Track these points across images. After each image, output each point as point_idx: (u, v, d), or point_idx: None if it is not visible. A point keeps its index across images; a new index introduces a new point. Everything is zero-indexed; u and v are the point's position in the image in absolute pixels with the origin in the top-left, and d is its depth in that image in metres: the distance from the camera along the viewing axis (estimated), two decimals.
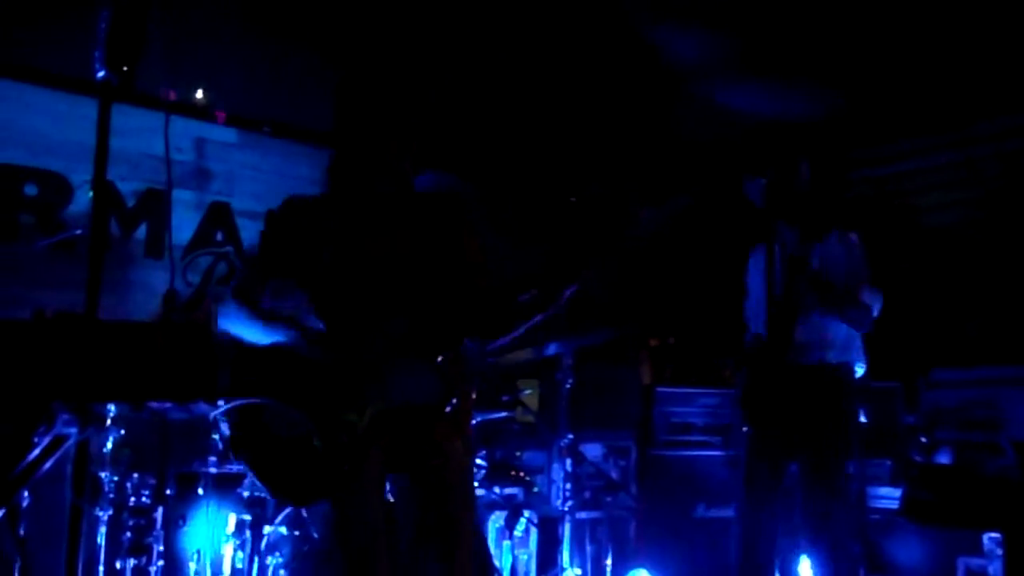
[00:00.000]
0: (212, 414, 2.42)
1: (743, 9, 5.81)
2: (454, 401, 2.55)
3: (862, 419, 4.92)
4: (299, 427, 2.40)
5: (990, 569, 4.72)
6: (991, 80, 6.26)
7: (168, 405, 3.55)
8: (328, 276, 2.66)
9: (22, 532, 3.44)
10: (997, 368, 5.30)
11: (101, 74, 2.10)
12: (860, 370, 4.12)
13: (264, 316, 2.62)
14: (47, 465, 1.47)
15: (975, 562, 4.81)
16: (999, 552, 4.64)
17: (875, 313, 4.08)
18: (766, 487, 3.94)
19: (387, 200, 2.76)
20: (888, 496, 5.44)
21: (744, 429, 3.99)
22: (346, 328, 2.57)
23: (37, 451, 1.43)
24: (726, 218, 4.09)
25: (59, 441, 1.47)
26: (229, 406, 2.41)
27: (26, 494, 3.50)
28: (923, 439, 5.00)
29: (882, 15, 5.74)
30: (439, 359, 2.54)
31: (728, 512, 5.01)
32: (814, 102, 6.86)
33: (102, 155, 2.26)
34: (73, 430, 1.48)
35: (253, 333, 2.60)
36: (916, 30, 5.86)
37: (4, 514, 1.42)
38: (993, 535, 4.73)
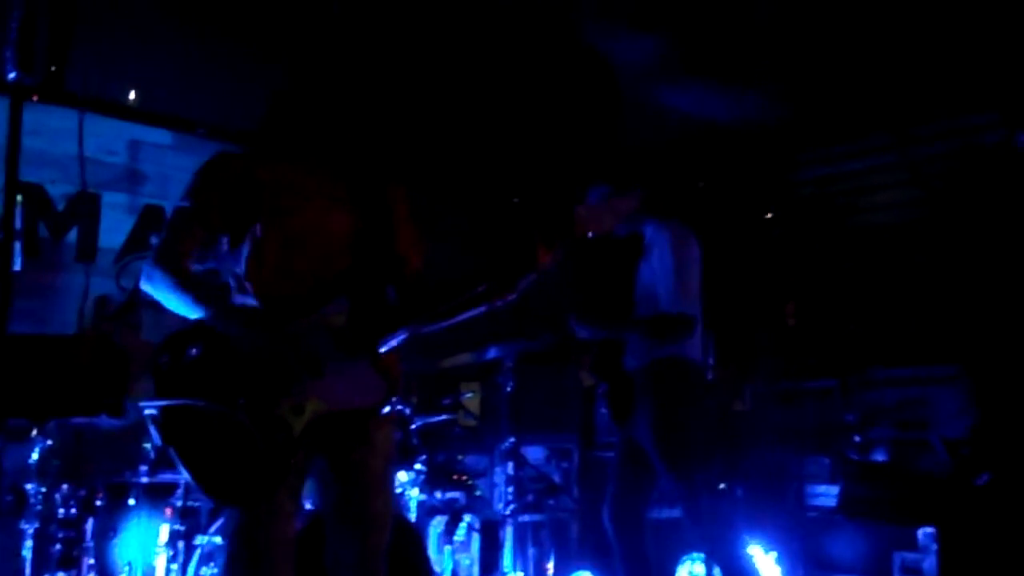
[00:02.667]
0: (144, 409, 2.33)
1: (686, 12, 5.85)
2: (393, 401, 2.51)
3: None
4: (235, 421, 2.33)
5: (925, 564, 4.81)
6: (931, 82, 6.37)
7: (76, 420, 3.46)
8: (262, 245, 2.52)
9: None
10: (930, 367, 5.40)
11: (12, 75, 2.04)
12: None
13: (192, 288, 2.45)
14: None
15: (910, 556, 4.90)
16: (934, 547, 4.73)
17: None
18: None
19: (329, 165, 2.65)
20: (826, 493, 5.52)
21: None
22: (281, 307, 2.44)
23: None
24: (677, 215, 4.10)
25: None
26: (158, 404, 2.32)
27: None
28: (857, 438, 5.07)
29: (824, 18, 5.81)
30: (379, 351, 2.47)
31: (673, 512, 5.04)
32: (758, 105, 6.94)
33: (14, 156, 2.20)
34: None
35: (179, 304, 2.46)
36: (858, 33, 5.94)
37: None
38: (927, 530, 4.82)
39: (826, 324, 6.73)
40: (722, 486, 5.29)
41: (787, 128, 7.32)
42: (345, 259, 2.57)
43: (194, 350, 2.39)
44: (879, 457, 5.25)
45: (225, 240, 2.57)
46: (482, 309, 2.60)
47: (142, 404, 2.40)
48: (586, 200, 3.94)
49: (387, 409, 2.57)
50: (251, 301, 2.51)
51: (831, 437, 5.67)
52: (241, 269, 2.55)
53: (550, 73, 6.32)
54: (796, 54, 6.23)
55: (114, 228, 5.08)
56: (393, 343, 2.56)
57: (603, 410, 5.53)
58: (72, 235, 4.97)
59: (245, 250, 2.54)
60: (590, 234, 3.45)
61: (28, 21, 2.07)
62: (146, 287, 2.52)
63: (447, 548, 4.69)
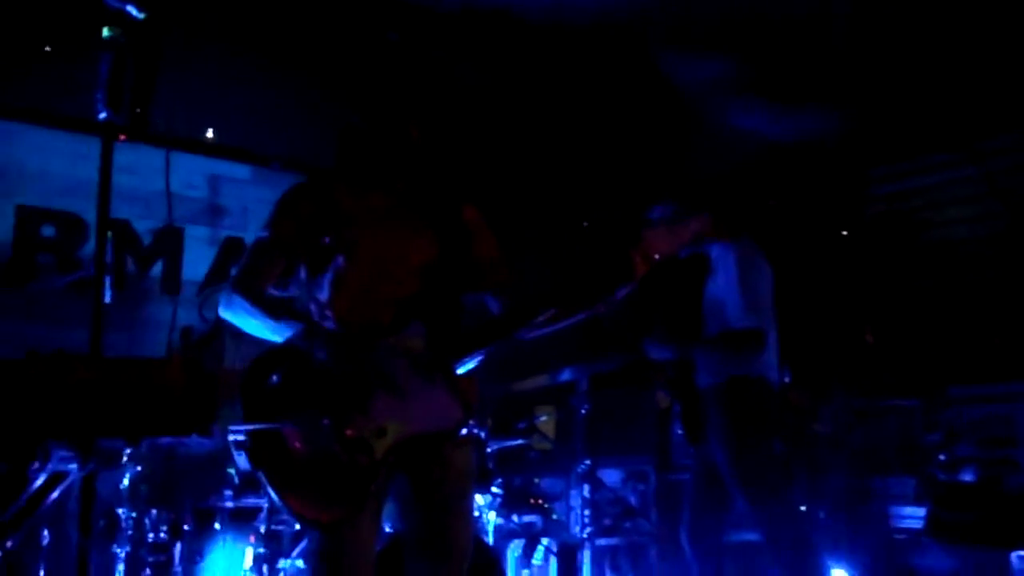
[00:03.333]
0: (230, 435, 2.39)
1: (754, 32, 5.83)
2: (470, 424, 2.55)
3: None
4: (320, 444, 2.38)
5: None
6: (1006, 94, 6.24)
7: (166, 440, 3.56)
8: (344, 273, 2.58)
9: (42, 572, 3.47)
10: (1015, 384, 5.25)
11: (103, 115, 2.14)
12: None
13: (271, 310, 2.52)
14: (48, 501, 1.48)
15: None
16: None
17: None
18: None
19: (404, 192, 2.70)
20: (912, 515, 5.38)
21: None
22: (362, 332, 2.49)
23: (34, 487, 1.44)
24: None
25: (58, 478, 1.48)
26: (245, 428, 2.38)
27: (46, 532, 3.53)
28: (942, 457, 4.94)
29: (895, 32, 5.74)
30: (457, 374, 2.52)
31: (752, 535, 4.96)
32: (830, 122, 6.87)
33: (105, 193, 2.30)
34: (73, 466, 1.49)
35: (260, 328, 2.52)
36: (930, 46, 5.86)
37: (14, 549, 1.43)
38: (1022, 553, 4.67)
39: (905, 341, 6.58)
40: (803, 508, 5.19)
41: (859, 144, 7.23)
42: (423, 283, 2.61)
43: (278, 373, 2.45)
44: (967, 477, 5.10)
45: (303, 268, 2.65)
46: (578, 318, 2.62)
47: (231, 428, 2.46)
48: (650, 217, 3.94)
49: (464, 432, 2.60)
50: (328, 325, 2.58)
51: (914, 457, 5.54)
52: (324, 296, 2.61)
53: (620, 96, 6.35)
54: (865, 70, 6.16)
55: (197, 260, 5.23)
56: (470, 365, 2.61)
57: (679, 431, 5.50)
58: (157, 268, 5.13)
59: (327, 278, 2.61)
60: (656, 256, 3.45)
61: (117, 64, 2.17)
62: (225, 313, 2.59)
63: (525, 572, 4.70)
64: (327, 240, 2.60)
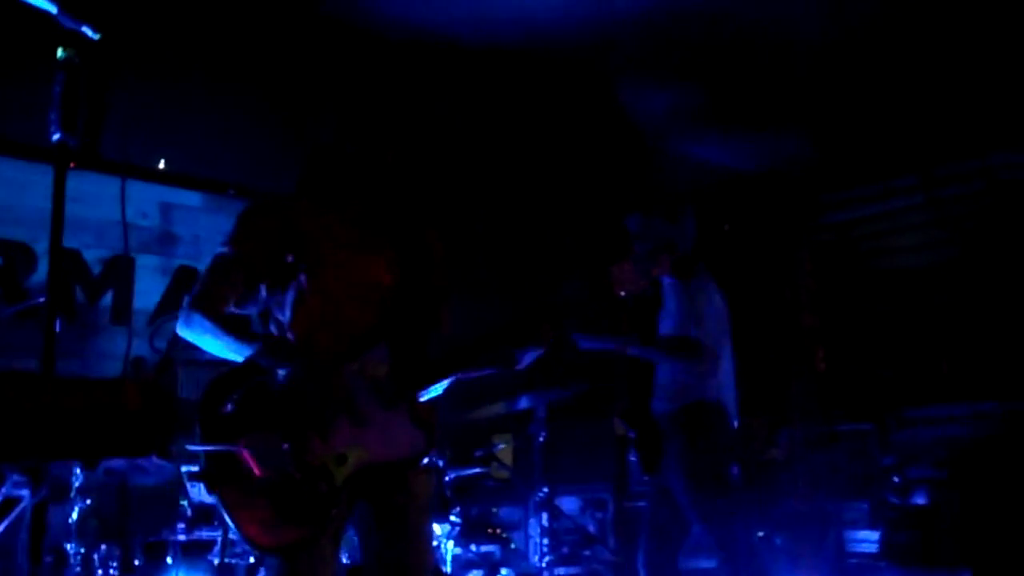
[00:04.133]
0: (188, 446, 2.34)
1: (709, 62, 5.92)
2: (431, 453, 2.52)
3: None
4: (278, 469, 2.33)
5: None
6: (955, 123, 6.39)
7: (122, 463, 3.48)
8: (305, 294, 2.54)
9: None
10: (968, 404, 5.33)
11: (56, 136, 2.09)
12: None
13: (231, 328, 2.47)
14: (0, 528, 1.43)
15: None
16: None
17: None
18: None
19: (370, 215, 2.68)
20: (867, 539, 5.42)
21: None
22: (323, 353, 2.46)
23: None
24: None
25: (10, 504, 1.44)
26: (202, 448, 2.33)
27: None
28: (896, 479, 5.00)
29: (846, 61, 5.86)
30: (418, 403, 2.50)
31: (710, 563, 4.97)
32: (783, 150, 6.98)
33: (58, 220, 2.24)
34: (25, 492, 1.45)
35: (220, 347, 2.47)
36: (880, 76, 5.99)
37: None
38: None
39: (857, 367, 6.68)
40: (760, 534, 5.21)
41: (810, 172, 7.35)
42: (386, 308, 2.59)
43: (237, 394, 2.40)
44: (919, 500, 5.16)
45: (263, 287, 2.61)
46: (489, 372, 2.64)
47: (188, 448, 2.41)
48: (628, 228, 3.97)
49: (426, 460, 2.58)
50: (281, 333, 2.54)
51: (869, 481, 5.59)
52: (285, 317, 2.57)
53: (578, 124, 6.41)
54: (818, 98, 6.28)
55: (148, 290, 5.15)
56: (432, 394, 2.59)
57: (634, 459, 5.50)
58: (107, 298, 5.04)
59: (288, 298, 2.57)
60: (622, 293, 3.47)
61: (71, 84, 2.14)
62: (184, 332, 2.53)
63: None
64: (289, 258, 2.56)
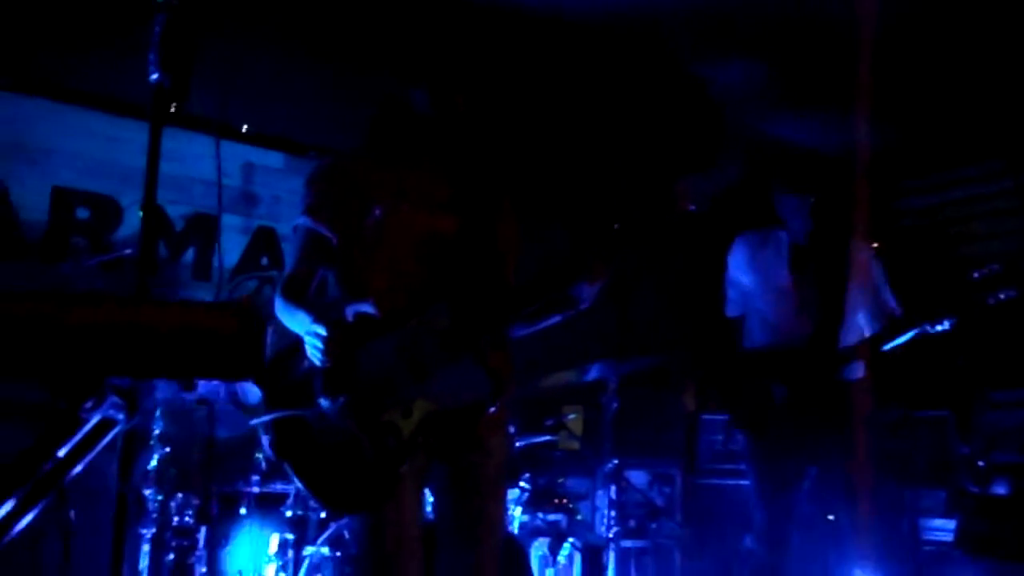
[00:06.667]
0: (253, 421, 2.37)
1: (789, 39, 5.80)
2: (500, 401, 2.50)
3: None
4: (344, 430, 2.35)
5: None
6: None
7: (221, 396, 3.54)
8: (373, 249, 2.55)
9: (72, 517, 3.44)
10: None
11: (154, 76, 2.12)
12: None
13: (308, 305, 2.46)
14: (96, 449, 1.47)
15: None
16: None
17: None
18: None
19: (438, 166, 2.68)
20: (942, 528, 5.30)
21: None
22: (391, 309, 2.45)
23: (86, 429, 1.43)
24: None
25: (107, 424, 1.47)
26: (270, 416, 2.36)
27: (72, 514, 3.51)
28: (981, 464, 4.86)
29: (931, 42, 5.69)
30: (485, 350, 2.48)
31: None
32: (864, 131, 6.81)
33: (153, 168, 2.27)
34: (121, 416, 1.48)
35: (298, 325, 2.47)
36: (965, 57, 5.81)
37: (54, 497, 1.42)
38: None
39: (937, 354, 6.49)
40: (831, 518, 5.12)
41: (893, 155, 7.17)
42: (450, 261, 2.58)
43: (299, 362, 2.42)
44: (999, 490, 5.02)
45: (335, 240, 2.60)
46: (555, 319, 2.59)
47: (253, 421, 2.44)
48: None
49: (494, 409, 2.54)
50: (365, 307, 2.53)
51: (946, 469, 5.45)
52: (356, 272, 2.59)
53: (655, 98, 6.33)
54: (902, 80, 6.11)
55: (229, 249, 5.23)
56: (498, 339, 2.57)
57: (707, 437, 5.44)
58: (189, 255, 5.13)
59: (357, 253, 2.58)
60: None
61: (170, 24, 2.16)
62: (279, 315, 2.53)
63: (549, 571, 4.65)
64: (359, 214, 2.57)
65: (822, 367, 3.78)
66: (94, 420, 1.40)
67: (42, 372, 1.31)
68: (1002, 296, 3.57)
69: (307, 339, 2.35)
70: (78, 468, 1.44)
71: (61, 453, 1.38)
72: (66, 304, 1.34)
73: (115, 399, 1.42)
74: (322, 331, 2.31)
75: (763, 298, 3.94)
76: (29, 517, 1.38)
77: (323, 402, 2.31)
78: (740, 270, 4.04)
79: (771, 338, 3.90)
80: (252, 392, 3.37)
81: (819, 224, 3.92)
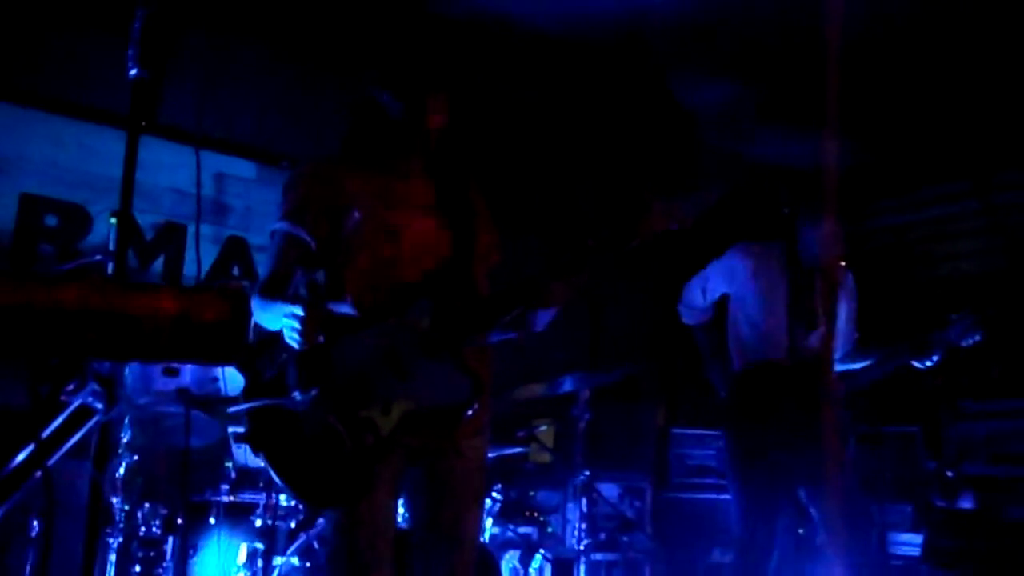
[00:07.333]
0: (231, 409, 2.35)
1: (763, 59, 5.87)
2: (477, 405, 2.49)
3: None
4: (322, 423, 2.33)
5: None
6: (1012, 128, 6.29)
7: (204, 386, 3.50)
8: (354, 251, 2.56)
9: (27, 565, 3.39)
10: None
11: (133, 72, 2.11)
12: None
13: (288, 299, 2.43)
14: (75, 437, 1.45)
15: None
16: None
17: None
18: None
19: (414, 171, 2.68)
20: (909, 543, 5.34)
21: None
22: (372, 310, 2.47)
23: (66, 413, 1.41)
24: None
25: (86, 413, 1.45)
26: (245, 406, 2.34)
27: (35, 524, 3.45)
28: (950, 474, 4.90)
29: (902, 63, 5.78)
30: (465, 352, 2.48)
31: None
32: (833, 150, 6.89)
33: (130, 175, 2.26)
34: (100, 405, 1.46)
35: (274, 319, 2.44)
36: (937, 79, 5.90)
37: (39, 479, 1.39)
38: None
39: (904, 370, 6.56)
40: (800, 532, 5.14)
41: (864, 175, 7.26)
42: (431, 262, 2.59)
43: (279, 353, 2.41)
44: (966, 504, 5.07)
45: (314, 244, 2.60)
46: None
47: (231, 409, 2.42)
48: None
49: (472, 411, 2.53)
50: (343, 307, 2.52)
51: (913, 484, 5.51)
52: (335, 275, 2.58)
53: (632, 113, 6.38)
54: (874, 101, 6.20)
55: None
56: (478, 343, 2.57)
57: (677, 450, 5.46)
58: (158, 264, 5.08)
59: (338, 256, 2.58)
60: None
61: (149, 20, 2.15)
62: (256, 317, 2.51)
63: None
64: (338, 218, 2.57)
65: (819, 383, 3.79)
66: (75, 403, 1.39)
67: (36, 351, 1.29)
68: (975, 339, 3.74)
69: (284, 323, 2.33)
70: (59, 454, 1.42)
71: (44, 435, 1.36)
72: (60, 286, 1.32)
73: (95, 386, 1.40)
74: (299, 311, 2.29)
75: (761, 308, 3.92)
76: (13, 498, 1.36)
77: (296, 394, 2.30)
78: (730, 278, 4.02)
79: (765, 347, 3.90)
80: (232, 381, 3.34)
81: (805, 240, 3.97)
